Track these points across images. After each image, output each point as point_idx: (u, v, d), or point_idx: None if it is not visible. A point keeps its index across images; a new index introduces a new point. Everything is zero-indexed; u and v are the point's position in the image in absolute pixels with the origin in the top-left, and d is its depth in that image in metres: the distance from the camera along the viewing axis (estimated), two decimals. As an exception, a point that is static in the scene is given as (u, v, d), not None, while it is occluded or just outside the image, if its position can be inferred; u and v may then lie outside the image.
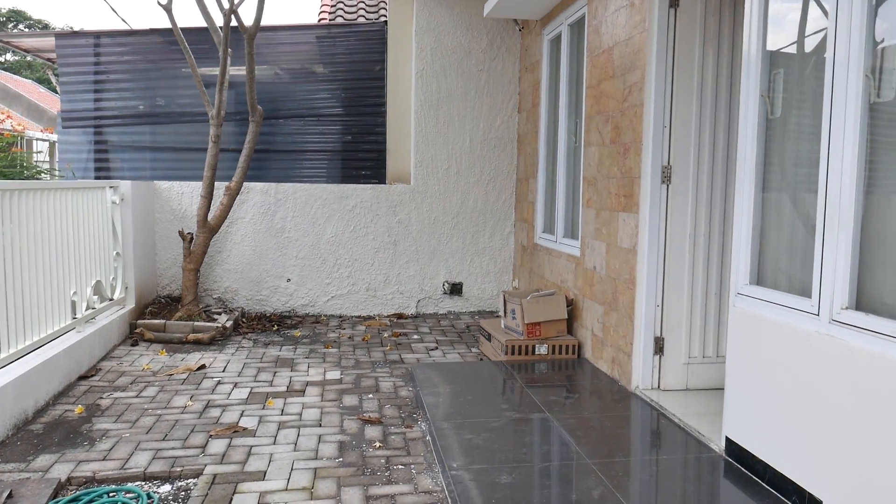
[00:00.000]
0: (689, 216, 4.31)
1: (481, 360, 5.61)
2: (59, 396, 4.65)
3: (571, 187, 5.89)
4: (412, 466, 3.62)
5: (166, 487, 3.46)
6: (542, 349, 5.35)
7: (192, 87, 7.17)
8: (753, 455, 3.21)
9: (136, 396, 4.70)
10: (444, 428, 3.90)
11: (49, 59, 8.15)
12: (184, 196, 7.09)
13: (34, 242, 4.67)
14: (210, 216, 6.72)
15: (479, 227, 7.46)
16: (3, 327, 4.16)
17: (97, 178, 7.34)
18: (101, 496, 3.29)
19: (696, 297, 4.38)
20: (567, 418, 4.00)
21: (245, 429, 4.14)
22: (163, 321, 6.26)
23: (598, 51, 5.05)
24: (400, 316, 7.31)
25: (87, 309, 5.37)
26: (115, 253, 6.11)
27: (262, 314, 7.21)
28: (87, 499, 3.25)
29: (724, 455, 3.45)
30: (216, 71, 6.68)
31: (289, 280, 7.30)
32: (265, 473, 3.54)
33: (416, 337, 6.45)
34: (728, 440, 3.43)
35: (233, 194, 6.77)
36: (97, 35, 7.23)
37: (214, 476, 3.52)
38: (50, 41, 7.25)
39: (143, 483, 3.50)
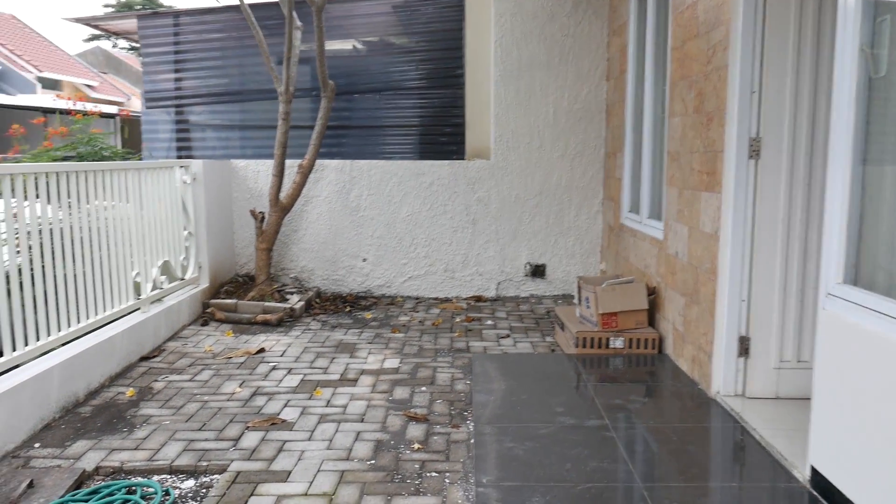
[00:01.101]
0: (781, 197, 3.68)
1: (553, 351, 5.18)
2: (116, 378, 4.64)
3: (658, 163, 5.30)
4: (447, 475, 3.29)
5: (189, 483, 3.30)
6: (618, 342, 4.85)
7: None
8: (841, 492, 2.65)
9: (190, 380, 4.62)
10: (486, 433, 3.53)
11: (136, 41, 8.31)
12: (260, 174, 7.01)
13: (100, 223, 4.67)
14: (282, 195, 6.61)
15: (564, 205, 6.96)
16: (59, 308, 4.15)
17: (179, 157, 7.41)
18: (120, 490, 3.17)
19: (791, 291, 3.76)
20: (628, 428, 3.53)
21: (284, 421, 3.94)
22: (234, 301, 6.22)
23: (683, 6, 4.42)
24: (479, 299, 6.96)
25: (153, 289, 5.37)
26: (186, 233, 6.10)
27: (338, 294, 7.06)
28: (105, 492, 3.14)
29: (808, 487, 2.89)
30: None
31: (364, 260, 7.10)
32: (289, 474, 3.32)
33: (489, 322, 6.09)
34: (813, 470, 2.86)
35: (305, 172, 6.61)
36: (176, 14, 7.25)
37: (237, 474, 3.33)
38: (133, 23, 7.35)
39: (169, 476, 3.37)
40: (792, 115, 3.61)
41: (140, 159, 7.27)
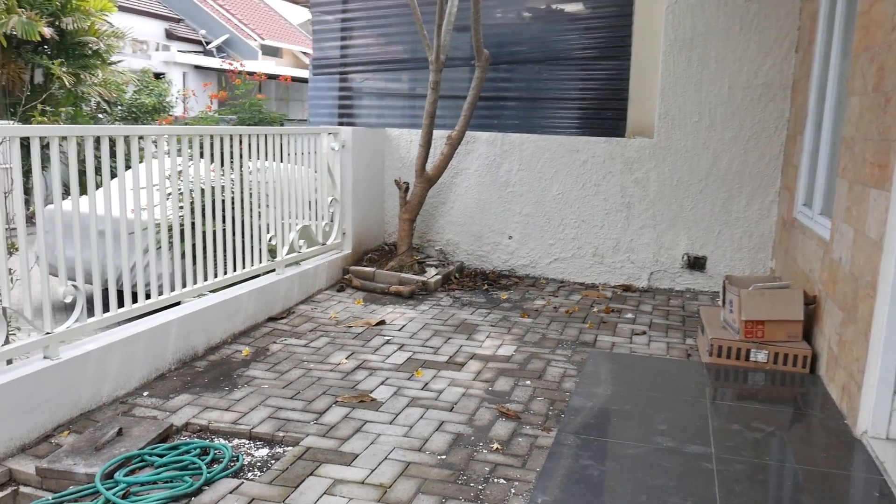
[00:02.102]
0: (972, 201, 2.90)
1: (688, 357, 4.62)
2: (240, 336, 4.82)
3: (834, 150, 4.49)
4: (514, 484, 3.01)
5: (263, 451, 3.32)
6: (760, 356, 4.20)
7: (432, 32, 6.93)
8: None
9: (305, 346, 4.69)
10: (566, 444, 3.19)
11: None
12: (413, 144, 6.97)
13: (244, 186, 4.89)
14: (429, 166, 6.52)
15: (734, 192, 6.20)
16: (206, 263, 4.37)
17: (340, 124, 7.56)
18: (195, 449, 3.25)
19: (976, 320, 2.98)
20: (736, 463, 3.01)
21: (373, 399, 3.85)
22: (372, 270, 6.26)
23: (874, -39, 3.62)
24: (627, 288, 6.45)
25: (288, 252, 5.52)
26: (331, 199, 6.21)
27: (480, 271, 6.88)
28: (183, 449, 3.24)
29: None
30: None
31: (510, 237, 6.84)
32: (355, 458, 3.22)
33: (629, 316, 5.60)
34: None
35: (454, 144, 6.46)
36: (345, -19, 7.34)
37: (307, 450, 3.29)
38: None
39: (247, 442, 3.41)
40: None
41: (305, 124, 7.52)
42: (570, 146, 6.55)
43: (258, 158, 5.11)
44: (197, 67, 22.83)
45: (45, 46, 13.02)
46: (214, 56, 24.17)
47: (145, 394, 3.85)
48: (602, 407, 3.63)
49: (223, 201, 4.82)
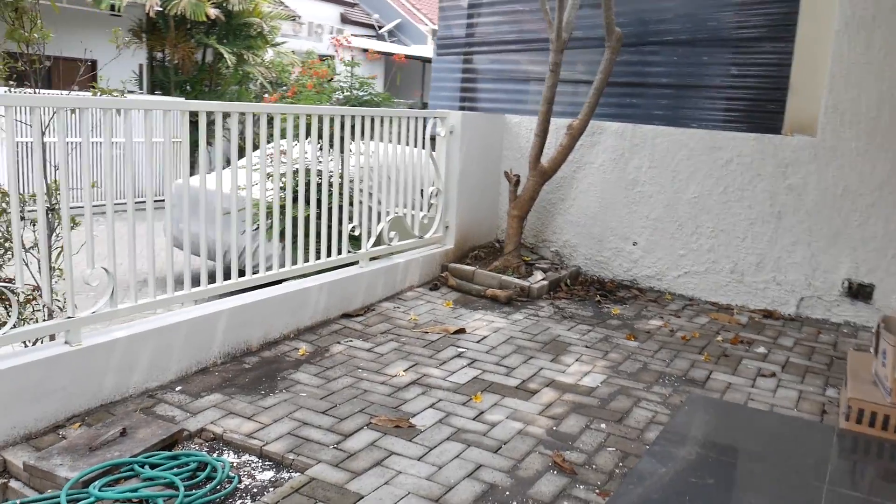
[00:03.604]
0: None
1: (823, 415, 3.66)
2: (304, 332, 4.48)
3: None
4: (533, 567, 2.37)
5: (266, 475, 2.92)
6: (918, 428, 3.19)
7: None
8: None
9: (368, 350, 4.26)
10: (610, 525, 2.48)
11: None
12: (533, 133, 6.30)
13: (335, 169, 4.61)
14: (546, 158, 5.85)
15: (918, 208, 4.99)
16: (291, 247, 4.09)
17: (461, 108, 7.06)
18: (194, 462, 2.91)
19: None
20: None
21: (412, 426, 3.34)
22: (472, 269, 5.73)
23: None
24: (769, 314, 5.43)
25: (374, 245, 5.11)
26: (433, 189, 5.74)
27: (597, 279, 6.12)
28: (182, 461, 2.91)
29: None
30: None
31: (635, 244, 6.02)
32: (357, 501, 2.72)
33: (760, 350, 4.64)
34: None
35: (574, 135, 5.75)
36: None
37: (310, 481, 2.84)
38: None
39: (257, 460, 3.03)
40: None
41: (425, 106, 7.10)
42: (712, 142, 5.60)
43: (352, 141, 4.77)
44: (364, 51, 23.32)
45: (216, 28, 13.65)
46: (385, 40, 24.58)
47: (178, 388, 3.59)
48: (675, 477, 2.85)
49: (318, 185, 4.56)
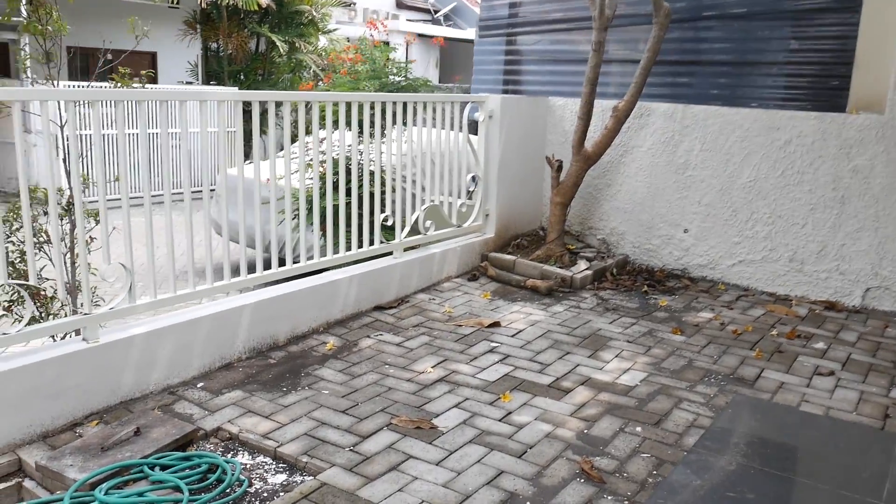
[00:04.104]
0: None
1: (886, 420, 3.35)
2: (334, 325, 4.37)
3: None
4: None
5: (278, 479, 2.82)
6: None
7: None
8: None
9: (398, 345, 4.13)
10: (632, 545, 2.27)
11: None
12: (576, 116, 6.03)
13: (366, 157, 4.51)
14: (590, 142, 5.58)
15: None
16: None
17: (504, 91, 6.82)
18: (205, 464, 2.83)
19: None
20: None
21: (433, 427, 3.18)
22: (513, 258, 5.53)
23: None
24: (831, 306, 5.06)
25: (409, 234, 4.96)
26: (470, 177, 5.55)
27: (646, 268, 5.83)
28: (194, 462, 2.84)
29: None
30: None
31: (686, 231, 5.70)
32: (368, 508, 2.59)
33: (819, 346, 4.32)
34: None
35: (620, 117, 5.46)
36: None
37: (321, 486, 2.73)
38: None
39: (271, 462, 2.93)
40: None
41: (467, 91, 6.90)
42: (768, 122, 5.23)
43: (387, 127, 4.65)
44: (420, 36, 23.14)
45: (268, 17, 13.69)
46: (441, 24, 24.33)
47: (199, 385, 3.53)
48: (711, 491, 2.61)
49: (352, 173, 4.45)
